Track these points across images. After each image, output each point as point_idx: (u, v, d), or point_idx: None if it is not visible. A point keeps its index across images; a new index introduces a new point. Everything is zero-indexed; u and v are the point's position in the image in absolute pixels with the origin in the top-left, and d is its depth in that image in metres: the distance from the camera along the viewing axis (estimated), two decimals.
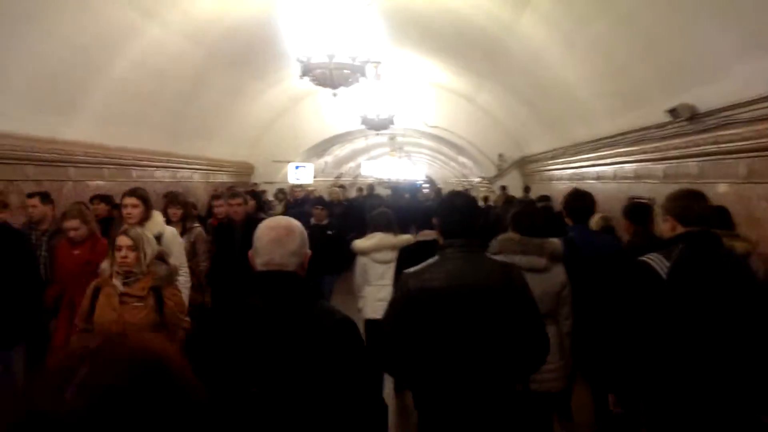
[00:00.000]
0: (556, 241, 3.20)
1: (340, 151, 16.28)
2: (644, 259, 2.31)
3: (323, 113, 11.35)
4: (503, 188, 10.52)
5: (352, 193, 15.18)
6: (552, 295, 3.08)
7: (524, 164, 11.10)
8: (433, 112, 11.32)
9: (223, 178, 10.49)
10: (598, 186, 7.07)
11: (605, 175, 6.72)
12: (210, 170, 9.73)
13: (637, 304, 2.29)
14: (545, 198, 8.07)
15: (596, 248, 3.47)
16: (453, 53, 8.16)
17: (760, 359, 2.15)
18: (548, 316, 2.99)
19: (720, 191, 4.06)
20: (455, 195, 2.99)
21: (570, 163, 8.12)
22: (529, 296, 2.38)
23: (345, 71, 4.22)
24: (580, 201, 3.72)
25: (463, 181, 22.60)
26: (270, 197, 10.28)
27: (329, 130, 11.67)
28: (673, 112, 4.43)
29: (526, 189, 10.40)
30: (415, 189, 18.29)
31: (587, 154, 7.14)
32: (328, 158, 15.90)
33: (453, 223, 2.43)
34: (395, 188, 13.86)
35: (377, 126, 9.62)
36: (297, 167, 11.46)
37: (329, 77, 4.23)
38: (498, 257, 2.72)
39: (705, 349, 2.15)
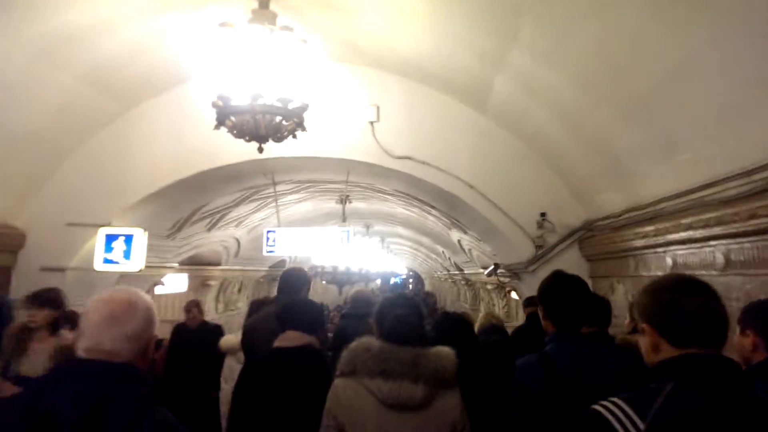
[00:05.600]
0: (445, 352, 2.13)
1: (263, 216, 9.97)
2: (599, 410, 1.33)
3: (189, 123, 5.51)
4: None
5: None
6: None
7: (597, 234, 5.20)
8: (396, 126, 5.54)
9: None
10: None
11: None
12: None
13: None
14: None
15: (595, 374, 1.97)
16: None
17: None
18: None
19: None
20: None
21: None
22: None
23: None
24: (568, 292, 2.17)
25: (454, 275, 15.90)
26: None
27: (209, 157, 5.68)
28: None
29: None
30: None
31: None
32: (239, 232, 9.55)
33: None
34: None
35: (254, 134, 3.69)
36: (111, 238, 5.34)
37: None
38: (347, 380, 2.07)
39: None
